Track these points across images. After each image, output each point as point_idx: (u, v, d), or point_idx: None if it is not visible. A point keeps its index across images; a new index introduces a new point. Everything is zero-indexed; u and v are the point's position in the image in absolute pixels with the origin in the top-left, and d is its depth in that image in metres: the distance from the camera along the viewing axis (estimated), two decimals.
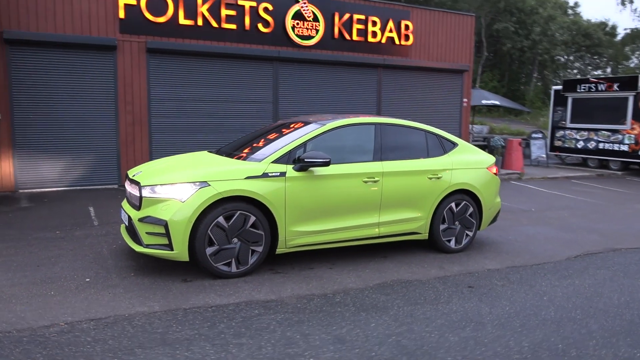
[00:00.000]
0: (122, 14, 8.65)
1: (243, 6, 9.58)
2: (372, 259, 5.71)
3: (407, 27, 11.36)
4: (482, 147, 16.95)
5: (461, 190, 6.15)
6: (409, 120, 6.28)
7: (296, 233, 5.12)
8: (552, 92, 17.92)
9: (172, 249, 4.63)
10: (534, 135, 17.36)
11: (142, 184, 4.82)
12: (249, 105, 9.86)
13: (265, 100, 10.12)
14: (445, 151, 6.21)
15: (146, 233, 4.73)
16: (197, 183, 4.72)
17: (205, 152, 5.96)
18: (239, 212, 4.80)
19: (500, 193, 11.30)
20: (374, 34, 10.99)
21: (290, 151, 5.18)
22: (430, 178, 5.88)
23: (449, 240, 6.12)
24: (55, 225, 6.72)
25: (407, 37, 11.43)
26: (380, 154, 5.68)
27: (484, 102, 19.56)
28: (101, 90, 8.75)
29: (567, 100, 16.94)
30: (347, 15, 10.64)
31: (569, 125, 16.96)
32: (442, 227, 6.03)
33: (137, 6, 8.74)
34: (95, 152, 8.82)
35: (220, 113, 9.73)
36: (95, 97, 8.74)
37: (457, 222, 6.15)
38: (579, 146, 16.68)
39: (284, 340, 3.56)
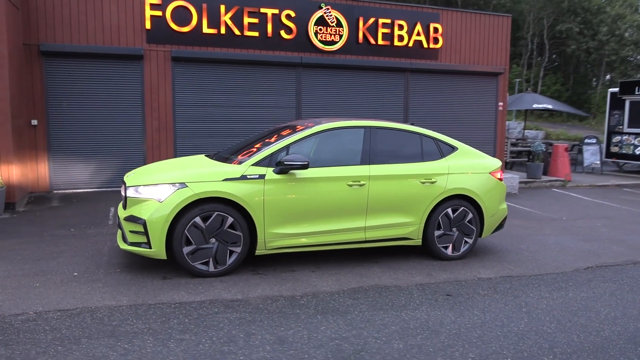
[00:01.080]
0: (148, 25, 9.12)
1: (265, 14, 9.80)
2: (361, 264, 5.64)
3: (436, 29, 11.11)
4: (527, 153, 16.17)
5: (459, 195, 5.94)
6: (417, 125, 6.16)
7: (276, 235, 5.17)
8: (609, 95, 16.82)
9: (150, 247, 4.83)
10: (587, 140, 16.35)
11: (127, 185, 5.08)
12: (272, 111, 10.04)
13: (289, 105, 10.26)
14: (442, 155, 6.02)
15: (130, 231, 4.96)
16: (177, 184, 4.90)
17: (201, 156, 6.15)
18: (216, 213, 4.92)
19: (535, 201, 10.79)
20: (401, 38, 10.84)
21: (271, 154, 5.25)
22: (423, 182, 5.73)
23: (446, 247, 5.92)
24: (73, 223, 7.18)
25: (436, 40, 11.17)
26: (368, 158, 5.61)
27: (535, 106, 18.64)
28: (129, 98, 9.27)
29: (625, 103, 15.83)
30: (372, 20, 10.57)
31: (626, 130, 15.84)
32: (437, 233, 5.85)
33: (163, 17, 9.19)
34: (124, 155, 9.33)
35: (244, 118, 9.97)
36: (124, 104, 9.26)
37: (454, 229, 5.94)
38: (638, 152, 15.52)
39: (225, 338, 3.61)
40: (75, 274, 4.98)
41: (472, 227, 6.02)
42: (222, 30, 9.57)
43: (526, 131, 24.73)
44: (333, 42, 10.36)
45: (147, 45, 9.21)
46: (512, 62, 38.73)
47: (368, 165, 5.56)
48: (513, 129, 24.90)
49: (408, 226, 5.72)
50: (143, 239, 4.86)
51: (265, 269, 5.33)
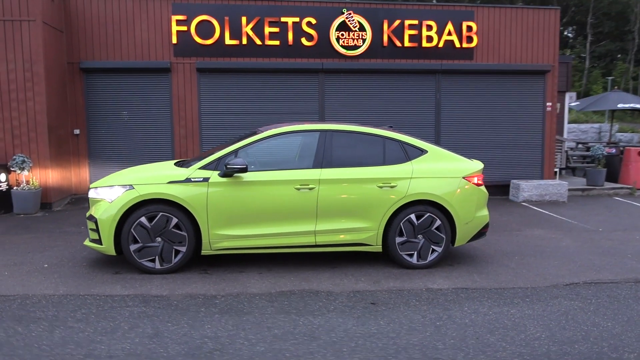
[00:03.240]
0: (175, 40, 9.80)
1: (286, 22, 10.02)
2: (315, 268, 5.58)
3: (469, 28, 10.51)
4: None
5: (424, 200, 5.64)
6: (421, 132, 5.98)
7: (221, 236, 5.32)
8: None
9: (101, 244, 5.24)
10: None
11: (89, 187, 5.57)
12: (294, 117, 10.19)
13: (311, 111, 10.36)
14: (408, 158, 5.76)
15: (89, 229, 5.43)
16: (127, 186, 5.27)
17: (169, 162, 6.45)
18: (160, 213, 5.21)
19: (581, 210, 9.73)
20: (430, 39, 10.43)
21: (219, 158, 5.42)
22: (381, 187, 5.53)
23: (410, 255, 5.64)
24: None
25: (470, 39, 10.58)
26: (321, 162, 5.55)
27: (620, 106, 16.81)
28: (159, 107, 10.02)
29: None
30: (397, 22, 10.30)
31: None
32: (399, 240, 5.60)
33: (188, 32, 9.82)
34: (154, 161, 10.06)
35: (266, 125, 10.26)
36: (154, 113, 10.04)
37: (419, 236, 5.64)
38: None
39: (109, 329, 3.84)
40: (46, 265, 5.55)
41: (441, 234, 5.67)
42: (244, 41, 9.97)
43: (619, 134, 22.30)
44: (356, 47, 10.29)
45: (174, 59, 9.90)
46: (618, 59, 34.99)
47: (320, 169, 5.51)
48: (605, 132, 22.55)
49: (364, 232, 5.55)
50: (96, 236, 5.29)
51: (216, 269, 5.50)
